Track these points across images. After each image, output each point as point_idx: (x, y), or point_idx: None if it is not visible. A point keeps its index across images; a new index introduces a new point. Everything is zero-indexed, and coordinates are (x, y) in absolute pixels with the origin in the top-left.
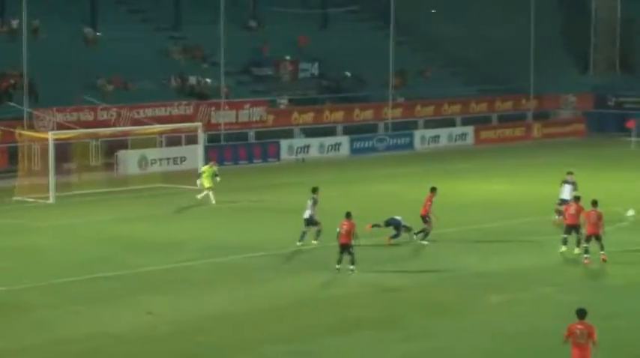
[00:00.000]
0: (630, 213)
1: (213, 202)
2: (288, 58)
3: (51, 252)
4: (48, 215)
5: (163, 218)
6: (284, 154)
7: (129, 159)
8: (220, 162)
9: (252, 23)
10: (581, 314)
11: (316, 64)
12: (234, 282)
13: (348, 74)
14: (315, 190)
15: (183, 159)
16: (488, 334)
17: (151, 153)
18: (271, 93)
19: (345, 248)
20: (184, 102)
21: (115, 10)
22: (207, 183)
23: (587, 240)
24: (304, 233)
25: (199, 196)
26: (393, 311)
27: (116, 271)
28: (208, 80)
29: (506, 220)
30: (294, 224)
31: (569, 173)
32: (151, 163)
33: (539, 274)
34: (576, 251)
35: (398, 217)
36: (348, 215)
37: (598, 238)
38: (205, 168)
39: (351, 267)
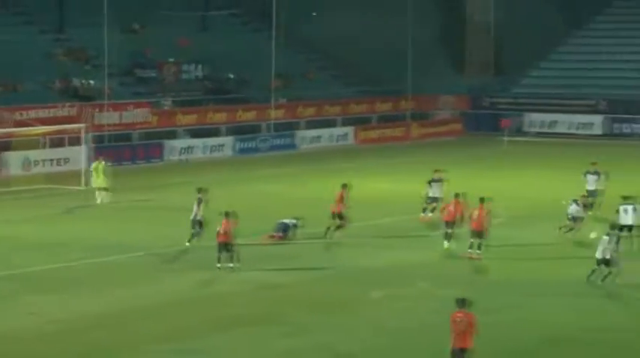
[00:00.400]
0: (593, 235)
1: (98, 201)
2: (171, 60)
3: None
4: None
5: (48, 218)
6: (168, 155)
7: (12, 161)
8: None
9: (136, 26)
10: (461, 303)
11: (199, 66)
12: (119, 282)
13: (231, 76)
14: (200, 190)
15: (66, 160)
16: (370, 329)
17: (35, 154)
18: (155, 94)
19: (224, 246)
20: (68, 104)
21: None
22: (101, 182)
23: (472, 235)
24: (193, 233)
25: (99, 200)
26: (274, 308)
27: (1, 271)
28: (92, 82)
29: (388, 218)
30: (179, 224)
31: (437, 170)
32: (35, 164)
33: (421, 270)
34: (450, 246)
35: (286, 220)
36: (227, 214)
37: (480, 236)
38: (94, 164)
39: (231, 265)
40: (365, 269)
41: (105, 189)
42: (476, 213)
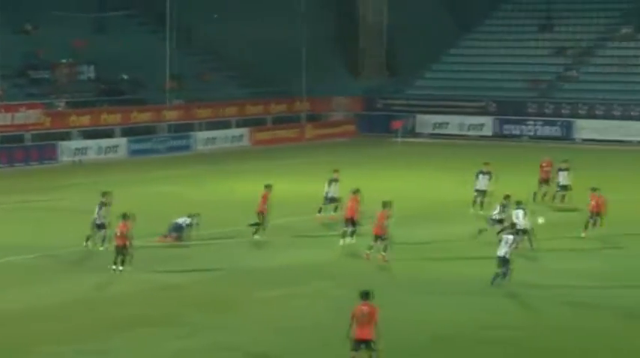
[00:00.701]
0: (540, 220)
1: None
2: (64, 61)
3: None
4: None
5: None
6: (62, 156)
7: None
8: None
9: (28, 26)
10: (365, 295)
11: (93, 67)
12: (12, 282)
13: (126, 77)
14: (104, 194)
15: None
16: (265, 328)
17: None
18: (48, 96)
19: (120, 248)
20: None
21: None
22: None
23: (374, 238)
24: (90, 235)
25: None
26: (171, 309)
27: None
28: None
29: (284, 218)
30: (74, 225)
31: (336, 170)
32: None
33: (317, 269)
34: (350, 241)
35: (180, 220)
36: (124, 216)
37: (381, 238)
38: None
39: (121, 267)
40: (261, 269)
41: None
42: (380, 215)
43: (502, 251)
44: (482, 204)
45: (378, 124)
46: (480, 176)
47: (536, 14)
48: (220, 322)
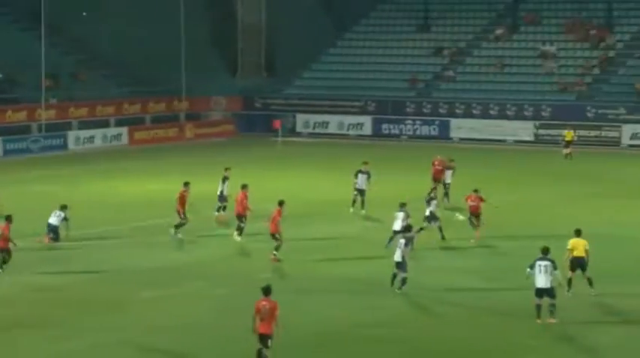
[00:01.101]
0: (460, 217)
1: None
2: None
3: None
4: None
5: None
6: None
7: None
8: None
9: None
10: (266, 291)
11: None
12: None
13: (1, 76)
14: None
15: None
16: (143, 329)
17: None
18: None
19: (2, 251)
20: None
21: None
22: None
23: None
24: None
25: None
26: (50, 310)
27: None
28: None
29: (163, 218)
30: None
31: (228, 168)
32: None
33: (196, 269)
34: (238, 239)
35: (53, 219)
36: (7, 218)
37: (273, 236)
38: None
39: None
40: (139, 269)
41: None
42: (274, 213)
43: (397, 255)
44: (362, 203)
45: (258, 124)
46: (360, 175)
47: (413, 14)
48: (101, 323)
